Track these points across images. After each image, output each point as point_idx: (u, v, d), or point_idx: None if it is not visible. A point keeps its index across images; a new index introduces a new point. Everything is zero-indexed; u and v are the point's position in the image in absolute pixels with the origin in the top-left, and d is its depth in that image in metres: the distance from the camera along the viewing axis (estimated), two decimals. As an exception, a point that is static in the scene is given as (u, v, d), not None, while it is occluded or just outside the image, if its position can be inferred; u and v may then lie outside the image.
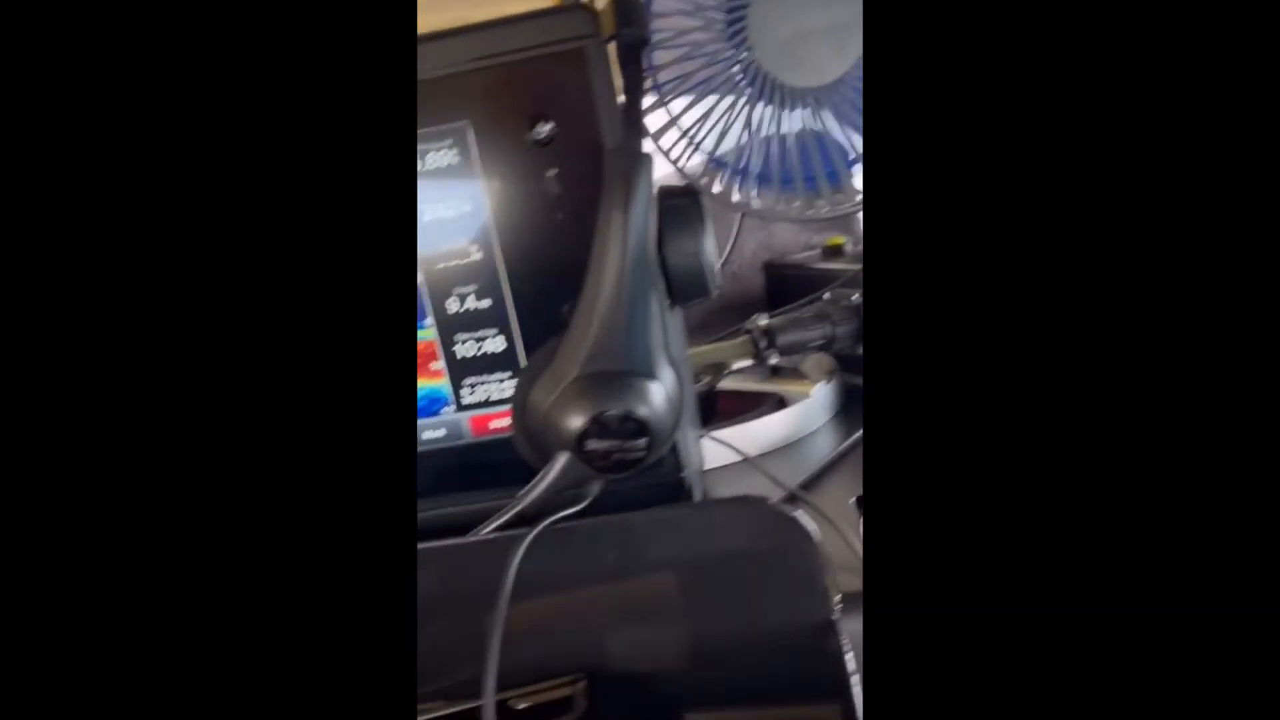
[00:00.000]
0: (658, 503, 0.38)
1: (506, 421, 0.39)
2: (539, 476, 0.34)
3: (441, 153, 0.36)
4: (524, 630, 0.33)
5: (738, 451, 0.49)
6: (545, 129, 0.35)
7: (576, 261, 0.37)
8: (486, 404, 0.39)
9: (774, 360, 0.57)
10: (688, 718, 0.34)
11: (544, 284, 0.37)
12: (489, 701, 0.30)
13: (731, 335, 0.65)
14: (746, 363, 0.62)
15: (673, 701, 0.35)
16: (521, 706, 0.35)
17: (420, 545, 0.34)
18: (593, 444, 0.33)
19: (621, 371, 0.33)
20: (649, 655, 0.35)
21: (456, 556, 0.34)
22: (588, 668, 0.35)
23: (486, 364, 0.39)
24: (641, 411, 0.33)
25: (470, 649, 0.35)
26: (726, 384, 0.62)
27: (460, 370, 0.39)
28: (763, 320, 0.60)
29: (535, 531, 0.33)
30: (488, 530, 0.34)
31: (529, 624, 0.33)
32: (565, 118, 0.35)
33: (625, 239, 0.31)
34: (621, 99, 0.35)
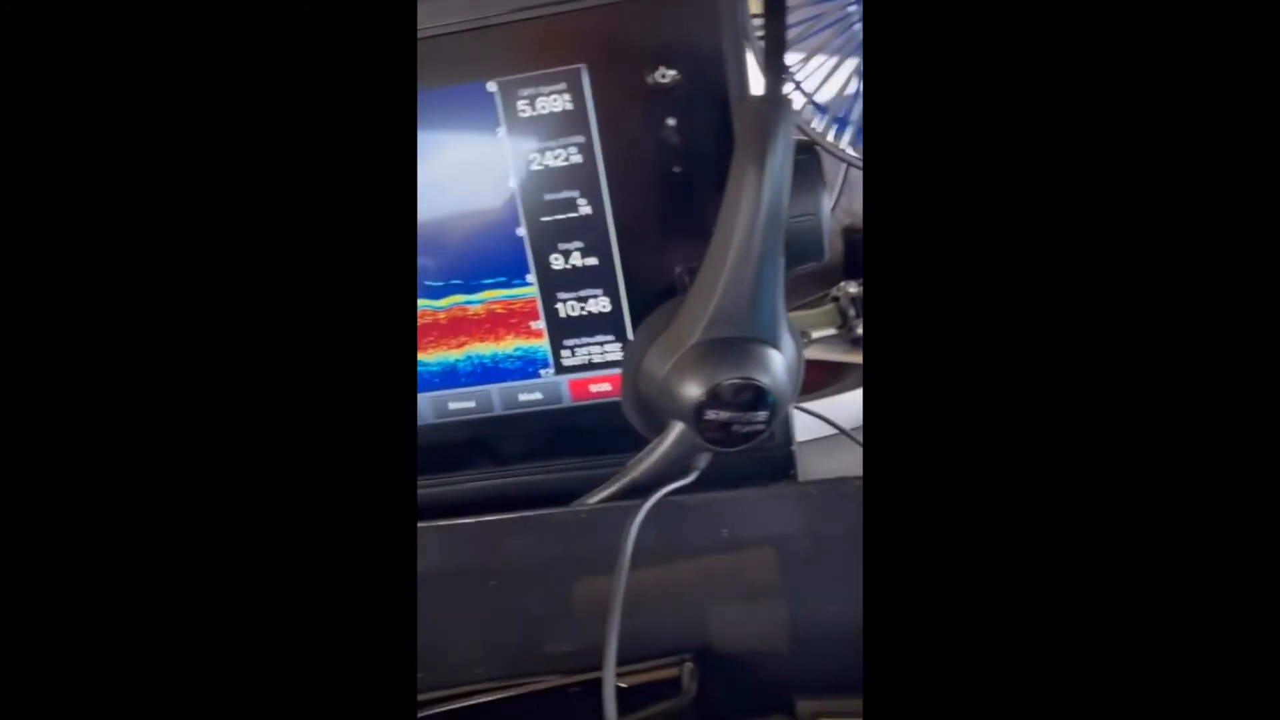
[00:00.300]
0: (762, 477, 0.37)
1: (608, 386, 0.37)
2: (650, 446, 0.32)
3: (552, 97, 0.34)
4: (627, 606, 0.31)
5: (835, 426, 0.46)
6: (667, 74, 0.33)
7: (692, 220, 0.35)
8: (587, 367, 0.37)
9: (861, 330, 0.55)
10: (799, 704, 0.33)
11: (656, 243, 0.35)
12: (609, 677, 0.28)
13: (813, 303, 0.62)
14: (829, 331, 0.59)
15: (782, 686, 0.33)
16: (623, 685, 0.33)
17: (520, 514, 0.33)
18: (711, 414, 0.31)
19: (746, 338, 0.31)
20: (758, 636, 0.34)
21: (561, 525, 0.33)
22: (693, 648, 0.34)
23: (589, 325, 0.37)
24: (764, 381, 0.31)
25: (573, 621, 0.34)
26: (809, 354, 0.60)
27: (561, 331, 0.37)
28: (852, 288, 0.58)
29: (650, 502, 0.31)
30: (595, 499, 0.33)
31: (632, 600, 0.31)
32: (690, 62, 0.33)
33: (760, 195, 0.29)
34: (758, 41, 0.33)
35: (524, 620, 0.34)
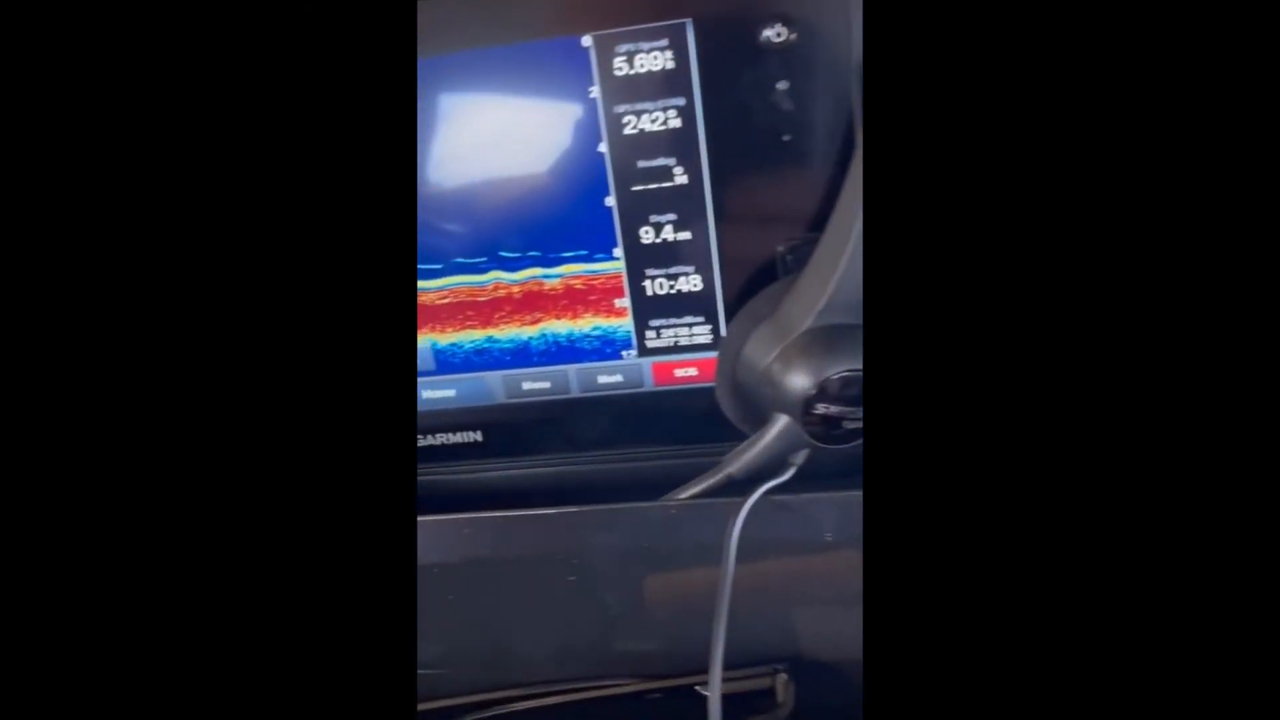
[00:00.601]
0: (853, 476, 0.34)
1: (694, 371, 0.35)
2: (750, 440, 0.29)
3: (653, 54, 0.31)
4: (709, 608, 0.29)
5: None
6: (782, 33, 0.30)
7: (800, 194, 0.32)
8: (673, 350, 0.35)
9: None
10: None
11: (758, 218, 0.32)
12: (715, 689, 0.26)
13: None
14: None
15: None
16: (708, 694, 0.31)
17: (608, 506, 0.31)
18: (820, 408, 0.28)
19: (860, 327, 0.28)
20: (856, 646, 0.32)
21: (650, 521, 0.30)
22: (785, 657, 0.32)
23: (678, 305, 0.34)
24: (880, 374, 0.28)
25: (654, 621, 0.32)
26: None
27: (647, 310, 0.34)
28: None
29: (752, 500, 0.28)
30: (687, 494, 0.30)
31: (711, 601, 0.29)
32: (807, 21, 0.30)
33: (890, 169, 0.26)
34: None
35: (602, 618, 0.31)
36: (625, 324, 0.35)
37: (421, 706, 0.33)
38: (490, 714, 0.32)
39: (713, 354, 0.34)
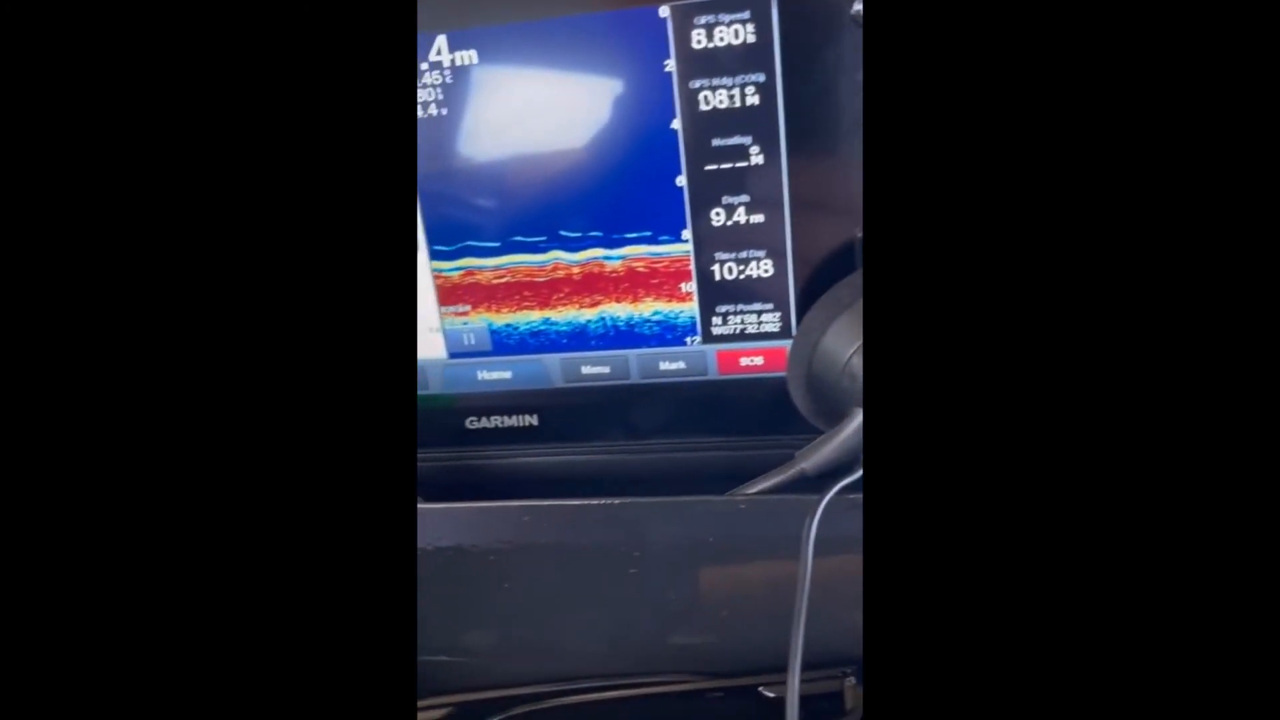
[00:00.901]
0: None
1: (761, 360, 0.34)
2: (828, 435, 0.28)
3: (733, 27, 0.29)
4: (776, 606, 0.28)
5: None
6: (873, 6, 0.29)
7: (882, 177, 0.30)
8: (739, 337, 0.33)
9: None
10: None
11: (839, 203, 0.31)
12: (794, 685, 0.25)
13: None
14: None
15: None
16: (771, 695, 0.30)
17: (674, 499, 0.29)
18: (902, 403, 0.27)
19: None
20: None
21: (716, 514, 0.29)
22: (854, 660, 0.30)
23: (747, 291, 0.33)
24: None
25: (716, 618, 0.31)
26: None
27: (714, 296, 0.33)
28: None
29: (828, 498, 0.27)
30: (756, 489, 0.29)
31: (782, 601, 0.28)
32: (901, -7, 0.28)
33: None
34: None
35: (663, 612, 0.30)
36: (690, 309, 0.34)
37: (473, 696, 0.32)
38: (543, 706, 0.31)
39: (781, 343, 0.33)
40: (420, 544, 0.32)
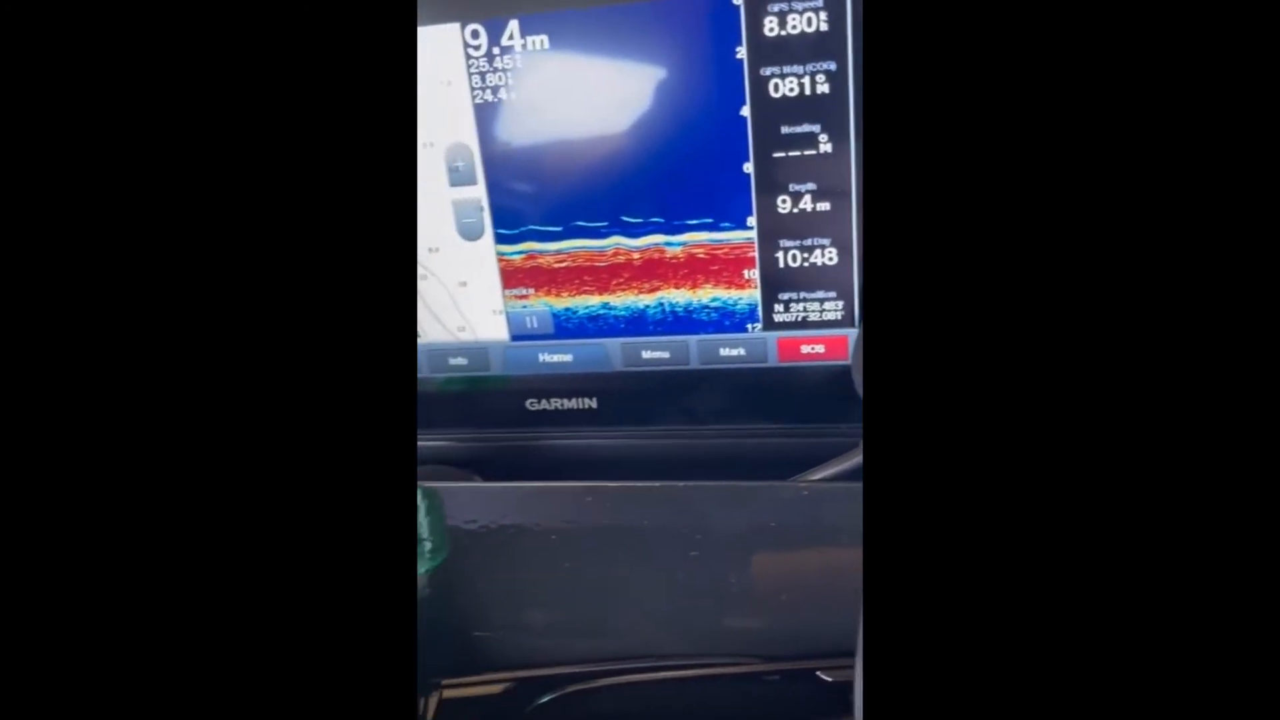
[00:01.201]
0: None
1: (822, 349, 0.34)
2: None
3: (807, 15, 0.29)
4: (828, 592, 0.28)
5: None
6: None
7: (952, 167, 0.30)
8: (801, 325, 0.34)
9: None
10: None
11: (905, 191, 0.31)
12: (860, 670, 0.25)
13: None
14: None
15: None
16: (828, 679, 0.31)
17: (737, 483, 0.30)
18: (971, 394, 0.27)
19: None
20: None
21: (779, 500, 0.29)
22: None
23: (810, 279, 0.33)
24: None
25: (774, 601, 0.31)
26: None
27: (777, 283, 0.33)
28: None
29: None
30: (819, 475, 0.29)
31: (835, 587, 0.28)
32: (978, -19, 0.28)
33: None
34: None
35: (723, 595, 0.31)
36: (749, 296, 0.34)
37: (531, 672, 0.33)
38: (600, 684, 0.32)
39: (843, 331, 0.33)
40: (482, 522, 0.33)
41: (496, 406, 0.37)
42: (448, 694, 0.32)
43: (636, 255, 0.34)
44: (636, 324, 0.35)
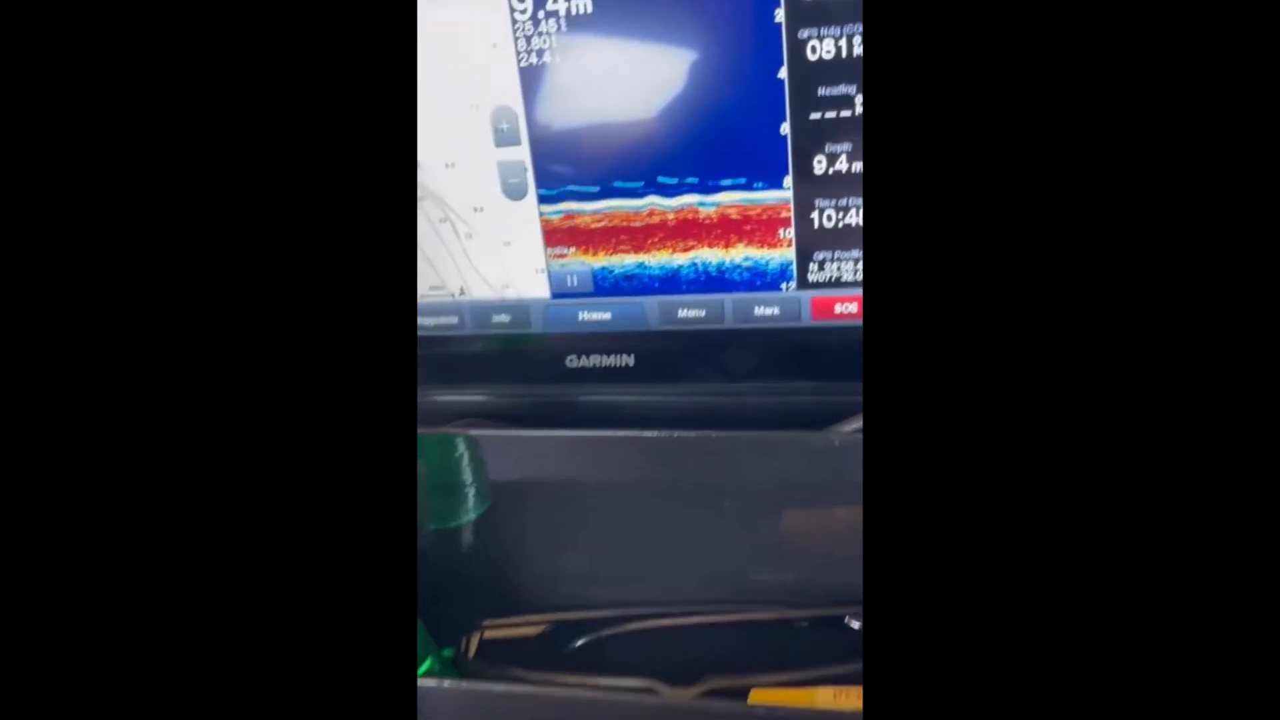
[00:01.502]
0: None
1: (854, 308, 0.35)
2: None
3: (845, -24, 0.30)
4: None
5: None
6: (988, -46, 0.29)
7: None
8: (835, 284, 0.34)
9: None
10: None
11: (940, 151, 0.31)
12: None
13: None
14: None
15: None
16: (858, 626, 0.32)
17: (769, 432, 0.31)
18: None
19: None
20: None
21: (810, 451, 0.30)
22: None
23: (845, 238, 0.34)
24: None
25: (813, 554, 0.32)
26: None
27: (812, 242, 0.34)
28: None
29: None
30: (852, 427, 0.30)
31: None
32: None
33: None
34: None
35: (753, 543, 0.32)
36: (781, 255, 0.35)
37: (568, 616, 0.34)
38: (634, 628, 0.33)
39: (876, 291, 0.34)
40: (521, 471, 0.34)
41: (537, 363, 0.38)
42: (488, 634, 0.34)
43: (671, 216, 0.35)
44: (671, 283, 0.36)
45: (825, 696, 0.26)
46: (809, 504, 0.31)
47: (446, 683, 0.27)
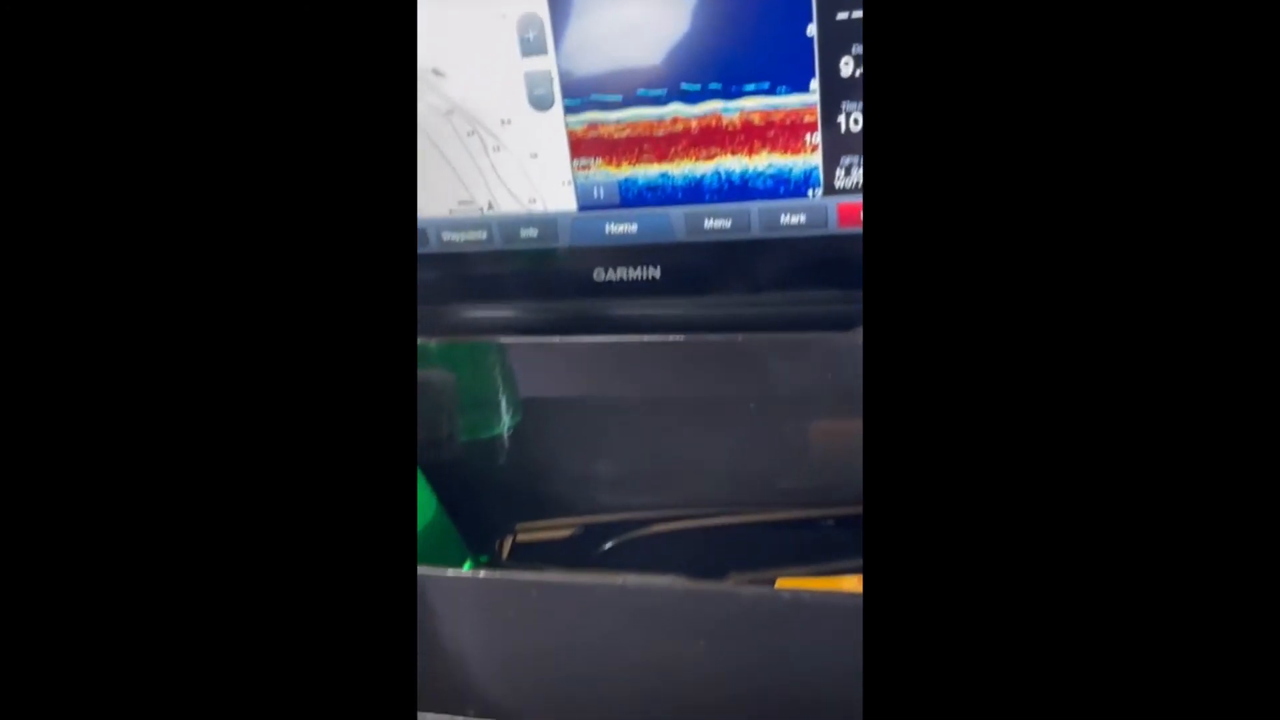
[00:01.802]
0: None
1: (881, 213, 0.34)
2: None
3: None
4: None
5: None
6: None
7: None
8: (861, 190, 0.34)
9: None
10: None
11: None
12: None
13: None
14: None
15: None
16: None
17: (793, 334, 0.31)
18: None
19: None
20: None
21: (834, 352, 0.31)
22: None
23: (871, 142, 0.33)
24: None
25: (836, 455, 0.33)
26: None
27: (839, 147, 0.34)
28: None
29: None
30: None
31: None
32: None
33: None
34: None
35: (779, 446, 0.32)
36: (806, 161, 0.34)
37: (597, 518, 0.35)
38: (662, 529, 0.34)
39: (903, 195, 0.34)
40: (551, 382, 0.35)
41: (564, 277, 0.38)
42: (521, 538, 0.35)
43: (694, 123, 0.35)
44: (694, 192, 0.36)
45: (850, 583, 0.27)
46: (834, 407, 0.31)
47: (482, 574, 0.28)
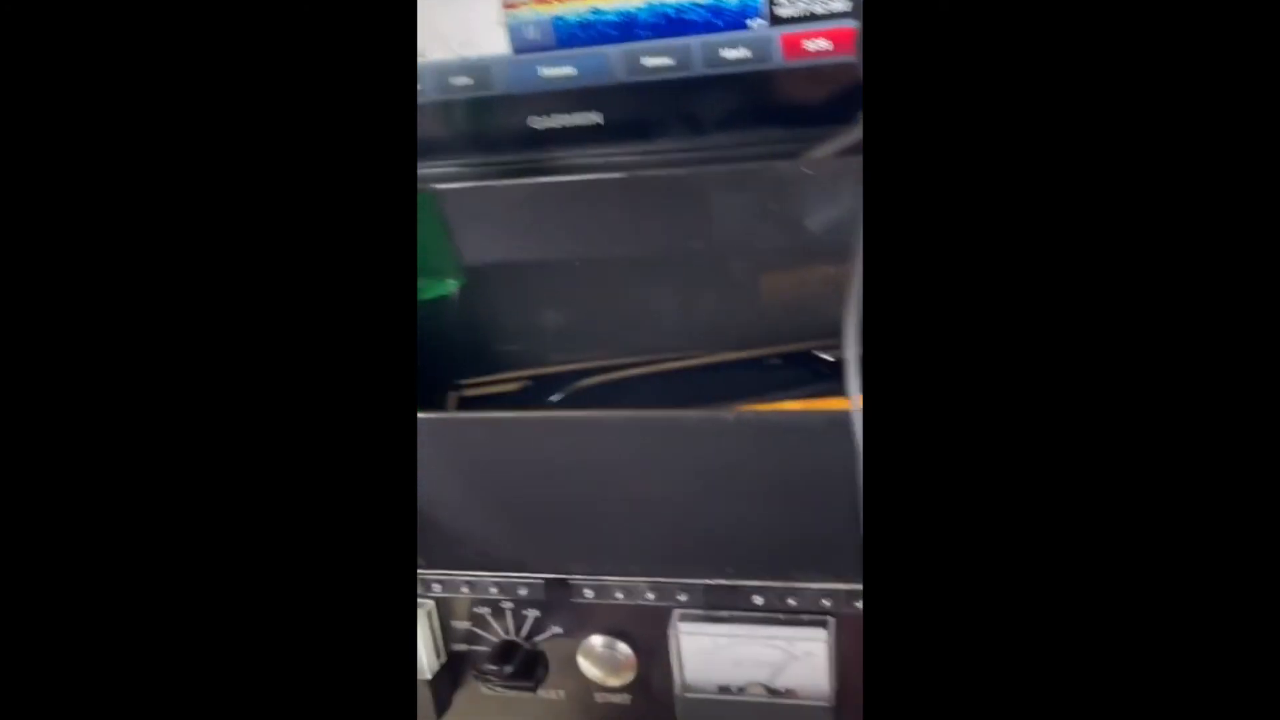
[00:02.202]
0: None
1: (828, 44, 0.33)
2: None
3: None
4: (835, 274, 0.29)
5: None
6: None
7: None
8: (809, 19, 0.33)
9: None
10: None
11: None
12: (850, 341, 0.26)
13: None
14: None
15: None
16: (829, 357, 0.32)
17: (735, 165, 0.30)
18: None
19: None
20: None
21: (780, 181, 0.30)
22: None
23: (815, -36, 0.32)
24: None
25: (780, 291, 0.32)
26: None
27: (780, -30, 0.32)
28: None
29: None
30: (820, 153, 0.30)
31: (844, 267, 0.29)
32: None
33: None
34: None
35: (726, 286, 0.32)
36: (749, -10, 0.33)
37: (547, 370, 0.35)
38: (614, 377, 0.34)
39: (850, 23, 0.32)
40: (492, 235, 0.33)
41: (500, 127, 0.37)
42: (468, 393, 0.35)
43: (629, -47, 0.33)
44: (628, 28, 0.34)
45: (794, 406, 0.27)
46: (782, 239, 0.31)
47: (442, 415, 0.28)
